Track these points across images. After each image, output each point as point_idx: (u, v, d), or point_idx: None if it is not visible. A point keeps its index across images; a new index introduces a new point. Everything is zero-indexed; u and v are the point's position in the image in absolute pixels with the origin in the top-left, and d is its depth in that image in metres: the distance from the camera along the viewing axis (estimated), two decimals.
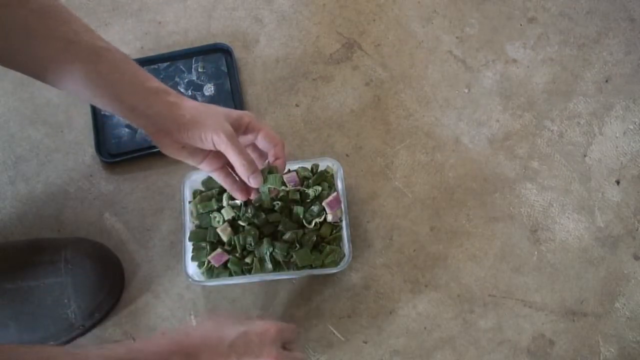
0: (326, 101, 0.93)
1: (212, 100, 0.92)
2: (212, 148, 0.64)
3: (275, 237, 0.79)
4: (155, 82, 0.64)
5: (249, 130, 0.68)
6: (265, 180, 0.69)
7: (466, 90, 0.94)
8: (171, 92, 0.64)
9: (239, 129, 0.67)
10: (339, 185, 0.82)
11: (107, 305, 0.78)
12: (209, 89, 0.93)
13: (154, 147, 0.88)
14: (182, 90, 0.93)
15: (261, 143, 0.70)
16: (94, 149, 0.89)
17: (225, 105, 0.91)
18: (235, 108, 0.91)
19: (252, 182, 0.67)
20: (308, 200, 0.81)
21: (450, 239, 0.85)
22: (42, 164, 0.89)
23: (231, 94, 0.93)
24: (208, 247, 0.78)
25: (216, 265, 0.77)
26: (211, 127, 0.63)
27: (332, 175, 0.84)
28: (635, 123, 0.92)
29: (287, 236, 0.78)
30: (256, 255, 0.78)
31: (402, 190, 0.88)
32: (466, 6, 1.00)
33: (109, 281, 0.78)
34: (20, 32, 0.56)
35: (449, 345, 0.79)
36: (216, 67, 0.94)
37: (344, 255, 0.79)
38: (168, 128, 0.63)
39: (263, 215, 0.78)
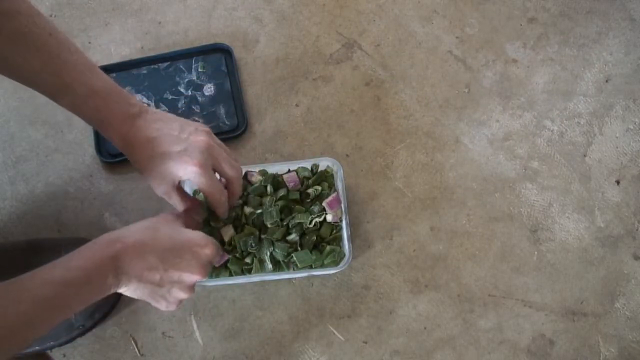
0: (326, 101, 0.93)
1: (212, 100, 0.92)
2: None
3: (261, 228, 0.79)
4: (123, 121, 0.66)
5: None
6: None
7: (466, 90, 0.94)
8: (137, 132, 0.66)
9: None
10: (339, 185, 0.82)
11: (107, 305, 0.78)
12: (209, 89, 0.93)
13: None
14: (182, 90, 0.93)
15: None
16: (94, 149, 0.89)
17: (225, 105, 0.92)
18: (235, 108, 0.91)
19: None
20: (308, 200, 0.81)
21: (450, 239, 0.85)
22: (42, 164, 0.89)
23: (231, 94, 0.93)
24: None
25: (216, 265, 0.77)
26: (155, 182, 0.68)
27: (332, 175, 0.84)
28: (635, 123, 0.92)
29: (291, 237, 0.78)
30: (256, 255, 0.78)
31: (402, 190, 0.88)
32: (466, 6, 1.00)
33: None
34: None
35: (449, 345, 0.79)
36: (216, 67, 0.94)
37: (344, 255, 0.79)
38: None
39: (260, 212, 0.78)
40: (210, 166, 0.67)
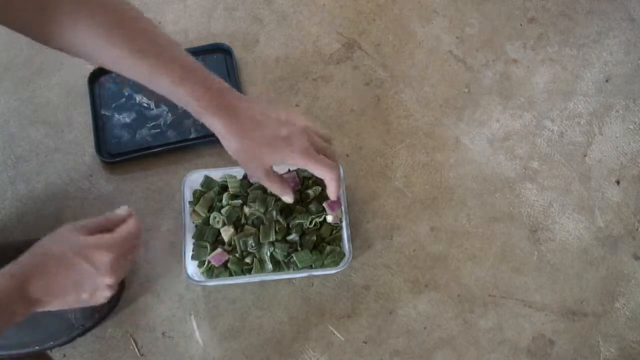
0: (326, 101, 0.93)
1: None
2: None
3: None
4: (197, 64, 0.67)
5: None
6: None
7: (466, 90, 0.94)
8: (241, 112, 0.66)
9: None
10: None
11: (107, 305, 0.78)
12: None
13: (154, 147, 0.88)
14: None
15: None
16: (94, 149, 0.89)
17: None
18: None
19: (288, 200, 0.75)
20: (308, 200, 0.81)
21: (450, 239, 0.85)
22: (42, 164, 0.89)
23: None
24: (209, 246, 0.78)
25: (216, 265, 0.77)
26: (250, 169, 0.69)
27: None
28: (635, 123, 0.92)
29: (291, 237, 0.78)
30: (256, 255, 0.78)
31: (402, 190, 0.88)
32: (466, 6, 1.00)
33: None
34: None
35: (449, 345, 0.79)
36: (216, 67, 0.94)
37: (344, 255, 0.79)
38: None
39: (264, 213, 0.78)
40: (312, 154, 0.68)
